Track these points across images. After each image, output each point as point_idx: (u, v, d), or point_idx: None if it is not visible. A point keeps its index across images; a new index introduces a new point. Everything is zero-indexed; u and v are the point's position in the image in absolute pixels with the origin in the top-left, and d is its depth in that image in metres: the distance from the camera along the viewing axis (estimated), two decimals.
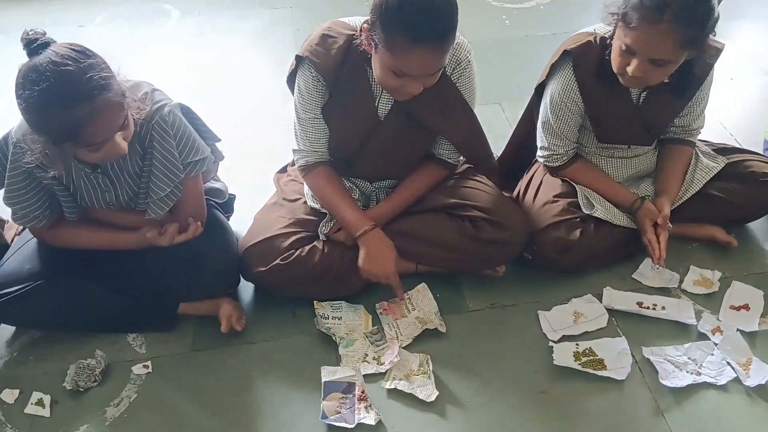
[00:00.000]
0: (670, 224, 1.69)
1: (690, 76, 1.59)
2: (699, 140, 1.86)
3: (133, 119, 1.40)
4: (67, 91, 1.25)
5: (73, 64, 1.25)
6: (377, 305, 1.71)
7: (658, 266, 1.78)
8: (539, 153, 1.80)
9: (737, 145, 1.99)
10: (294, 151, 1.69)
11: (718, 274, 1.76)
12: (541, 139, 1.78)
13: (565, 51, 1.65)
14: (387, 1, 1.32)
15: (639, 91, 1.66)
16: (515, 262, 1.77)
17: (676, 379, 1.51)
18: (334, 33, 1.55)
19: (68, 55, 1.26)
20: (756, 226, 1.91)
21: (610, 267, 1.80)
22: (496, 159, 1.86)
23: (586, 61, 1.62)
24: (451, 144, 1.69)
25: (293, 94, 1.63)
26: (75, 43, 1.32)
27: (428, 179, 1.72)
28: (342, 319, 1.67)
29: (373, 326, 1.67)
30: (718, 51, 1.62)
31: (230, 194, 1.91)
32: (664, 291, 1.74)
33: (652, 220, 1.68)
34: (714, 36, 1.48)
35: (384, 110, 1.61)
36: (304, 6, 3.10)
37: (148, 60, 2.83)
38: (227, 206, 1.89)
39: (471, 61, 1.60)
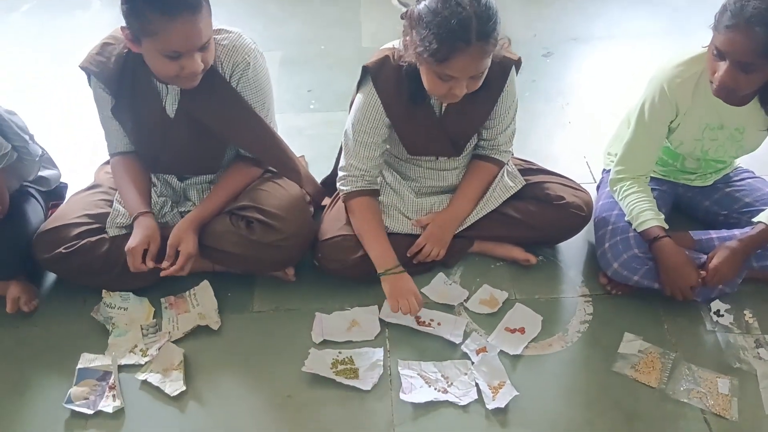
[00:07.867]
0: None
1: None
2: (519, 159, 1.87)
3: None
4: None
5: None
6: (163, 299, 1.75)
7: (451, 282, 1.79)
8: (338, 174, 1.75)
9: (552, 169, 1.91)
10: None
11: (505, 295, 1.76)
12: (342, 160, 1.75)
13: (363, 67, 1.62)
14: None
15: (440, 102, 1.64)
16: (310, 267, 1.80)
17: (417, 394, 1.52)
18: (113, 40, 1.62)
19: None
20: (568, 250, 1.90)
21: None
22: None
23: (385, 77, 1.60)
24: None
25: None
26: None
27: (242, 178, 1.75)
28: (128, 309, 1.72)
29: (153, 319, 1.71)
30: (512, 60, 1.61)
31: (62, 182, 1.97)
32: (448, 307, 1.74)
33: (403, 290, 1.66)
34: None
35: (171, 109, 1.66)
36: None
37: (58, 49, 2.91)
38: (55, 194, 1.95)
39: (252, 63, 1.61)
